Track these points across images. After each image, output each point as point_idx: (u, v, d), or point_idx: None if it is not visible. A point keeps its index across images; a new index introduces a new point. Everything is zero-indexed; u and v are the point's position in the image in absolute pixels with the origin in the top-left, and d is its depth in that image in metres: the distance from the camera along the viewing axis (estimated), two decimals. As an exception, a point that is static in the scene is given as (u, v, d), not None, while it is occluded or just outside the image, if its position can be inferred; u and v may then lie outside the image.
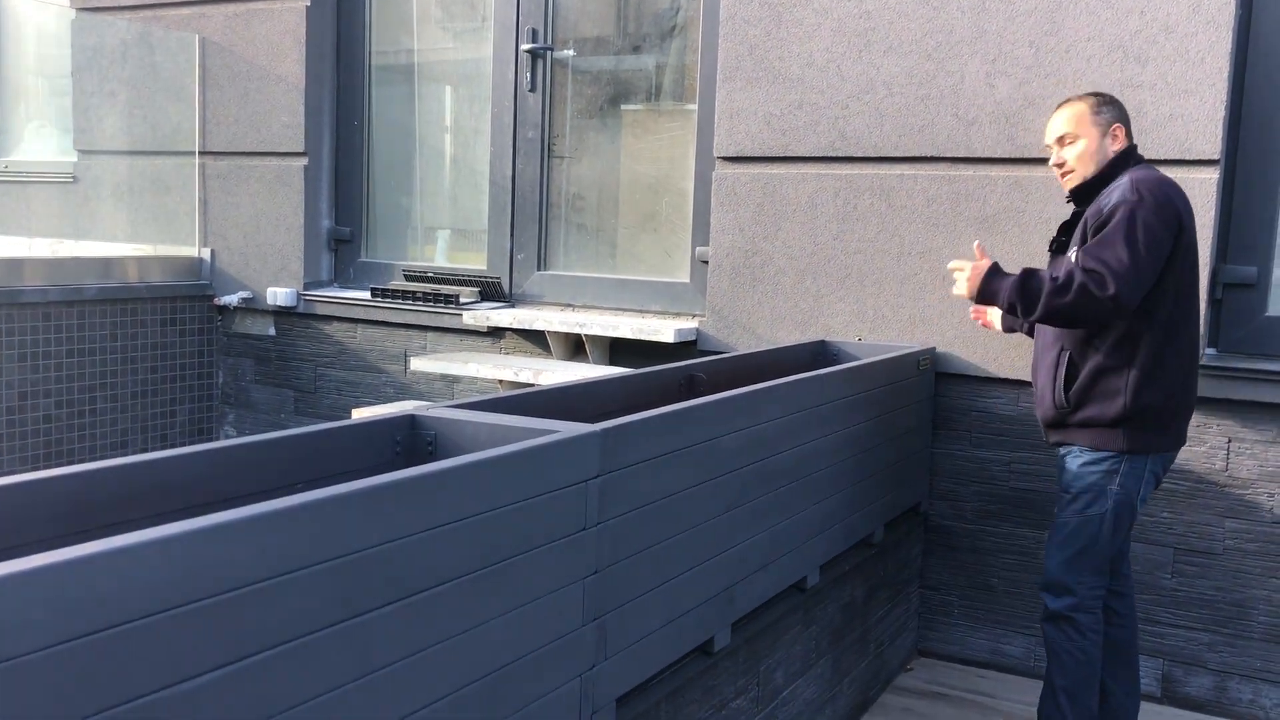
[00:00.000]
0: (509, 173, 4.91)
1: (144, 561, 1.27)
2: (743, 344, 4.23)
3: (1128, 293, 2.78)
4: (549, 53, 4.82)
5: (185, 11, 5.49)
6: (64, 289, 4.90)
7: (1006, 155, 3.77)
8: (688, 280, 4.55)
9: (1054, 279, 2.86)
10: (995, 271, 3.00)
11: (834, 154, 4.04)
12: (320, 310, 5.22)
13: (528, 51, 4.81)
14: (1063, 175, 3.09)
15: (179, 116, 5.56)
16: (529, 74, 4.82)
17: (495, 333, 4.81)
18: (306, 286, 5.27)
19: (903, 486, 3.71)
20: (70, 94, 6.00)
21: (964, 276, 3.04)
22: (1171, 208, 2.86)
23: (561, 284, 4.83)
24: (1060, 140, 3.07)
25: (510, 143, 4.90)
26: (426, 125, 5.32)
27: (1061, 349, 3.02)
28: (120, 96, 5.77)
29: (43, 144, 6.52)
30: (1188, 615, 3.65)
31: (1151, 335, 2.90)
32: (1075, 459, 3.01)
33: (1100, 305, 2.79)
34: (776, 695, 2.93)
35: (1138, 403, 2.90)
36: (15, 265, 4.83)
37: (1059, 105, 3.13)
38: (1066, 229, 3.10)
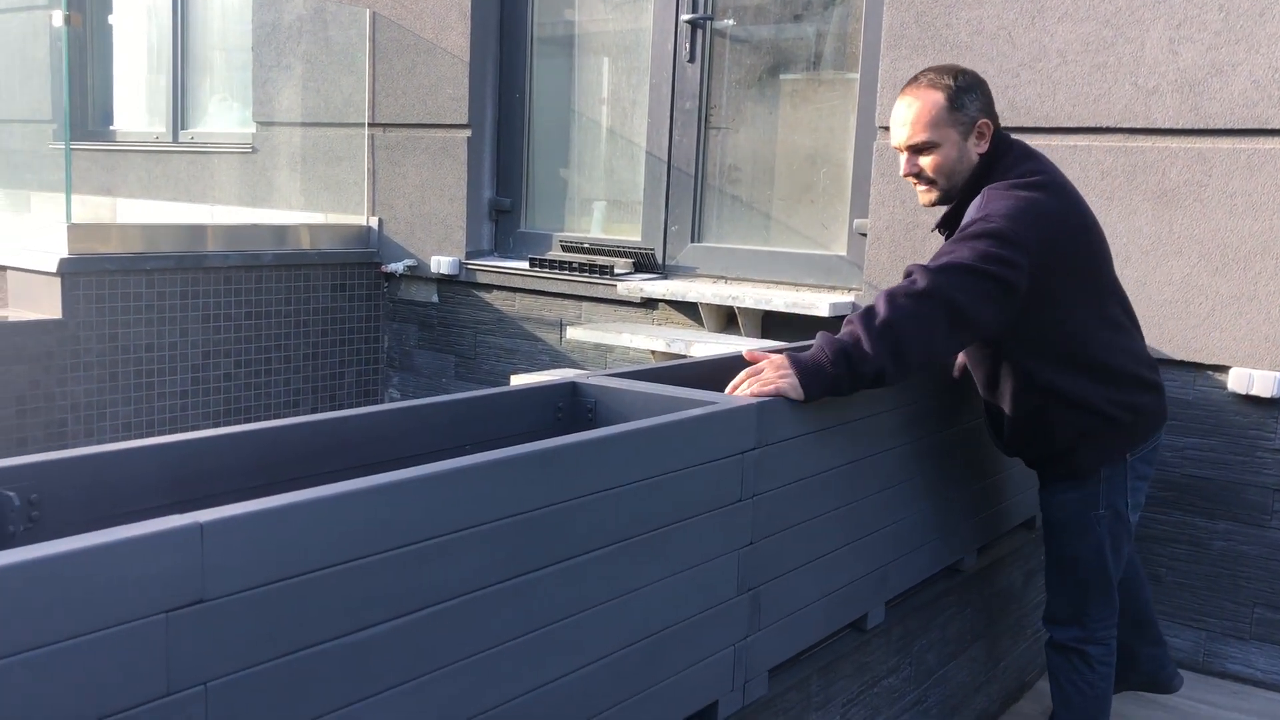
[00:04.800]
0: (665, 144, 4.92)
1: (328, 515, 1.35)
2: (900, 319, 4.15)
3: (944, 278, 2.23)
4: (709, 22, 4.80)
5: (357, -13, 5.69)
6: (243, 254, 5.17)
7: (1189, 126, 3.57)
8: (844, 253, 4.49)
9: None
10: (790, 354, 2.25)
11: (1002, 124, 3.89)
12: (481, 279, 5.36)
13: (688, 21, 4.80)
14: (920, 185, 2.54)
15: (350, 89, 5.77)
16: (688, 44, 4.82)
17: (648, 304, 4.85)
18: (468, 255, 5.41)
19: (1066, 470, 3.59)
20: (250, 68, 6.30)
21: (752, 381, 2.18)
22: (1032, 235, 2.32)
23: (715, 256, 4.83)
24: (913, 148, 2.48)
25: (667, 114, 4.91)
26: (585, 97, 5.38)
27: (984, 400, 2.68)
28: (296, 70, 6.03)
29: (225, 116, 6.88)
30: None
31: (1060, 357, 2.47)
32: (1050, 492, 2.68)
33: (918, 302, 2.21)
34: (929, 676, 2.89)
35: (1078, 428, 2.54)
36: (200, 232, 5.12)
37: (903, 91, 2.49)
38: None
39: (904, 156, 2.52)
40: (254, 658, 1.28)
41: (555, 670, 1.70)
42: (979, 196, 2.46)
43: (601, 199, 5.38)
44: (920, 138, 2.47)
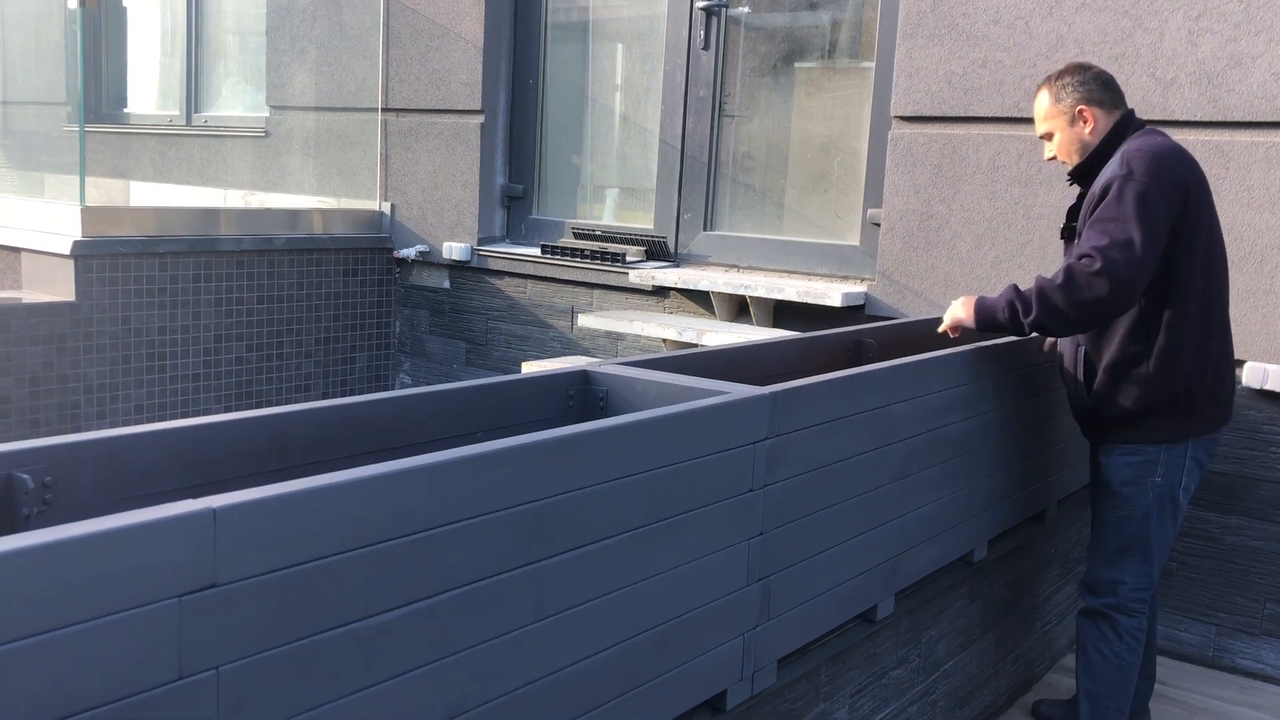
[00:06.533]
0: (679, 132, 4.91)
1: (340, 501, 1.35)
2: (914, 310, 4.14)
3: (1124, 269, 2.55)
4: (724, 9, 4.78)
5: (372, -28, 5.67)
6: (256, 238, 5.18)
7: (1207, 118, 3.55)
8: (857, 243, 4.47)
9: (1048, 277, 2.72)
10: (984, 297, 2.87)
11: (1019, 114, 3.88)
12: (493, 265, 5.36)
13: (702, 8, 4.78)
14: (1061, 163, 2.95)
15: (364, 74, 5.76)
16: (703, 31, 4.80)
17: (660, 292, 4.84)
18: (480, 242, 5.41)
19: (1079, 463, 3.57)
20: (264, 52, 6.30)
21: (954, 309, 2.90)
22: (1169, 177, 2.62)
23: (727, 244, 4.82)
24: (1042, 136, 2.92)
25: (681, 101, 4.89)
26: (598, 84, 5.36)
27: (1078, 345, 2.86)
28: (310, 54, 6.02)
29: (238, 100, 6.88)
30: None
31: (1170, 316, 2.68)
32: (1110, 455, 2.83)
33: (1094, 287, 2.57)
34: (938, 667, 2.89)
35: (1166, 390, 2.71)
36: (213, 215, 5.13)
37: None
38: (1074, 213, 2.88)
39: (1045, 144, 2.95)
40: (266, 643, 1.29)
41: (565, 658, 1.70)
42: (1113, 162, 2.72)
43: (614, 186, 5.37)
44: (1040, 129, 2.92)
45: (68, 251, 4.51)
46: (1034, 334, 2.80)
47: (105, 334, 4.66)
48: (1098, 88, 2.82)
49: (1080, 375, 2.86)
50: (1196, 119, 3.56)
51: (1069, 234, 2.91)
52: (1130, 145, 2.72)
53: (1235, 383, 2.87)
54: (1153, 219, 2.59)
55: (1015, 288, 2.76)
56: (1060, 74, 2.87)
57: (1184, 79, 3.57)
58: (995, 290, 3.93)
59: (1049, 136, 2.89)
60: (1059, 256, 3.84)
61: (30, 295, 4.64)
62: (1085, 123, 2.82)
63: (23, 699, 1.08)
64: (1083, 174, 2.85)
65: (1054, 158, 2.91)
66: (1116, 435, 2.82)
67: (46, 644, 1.09)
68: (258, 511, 1.26)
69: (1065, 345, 2.94)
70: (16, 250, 4.81)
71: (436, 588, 1.48)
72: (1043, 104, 2.88)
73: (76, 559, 1.11)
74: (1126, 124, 2.82)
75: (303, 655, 1.33)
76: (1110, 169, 2.69)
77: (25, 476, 1.48)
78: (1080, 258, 2.62)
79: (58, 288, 4.60)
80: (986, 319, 2.80)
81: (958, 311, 2.89)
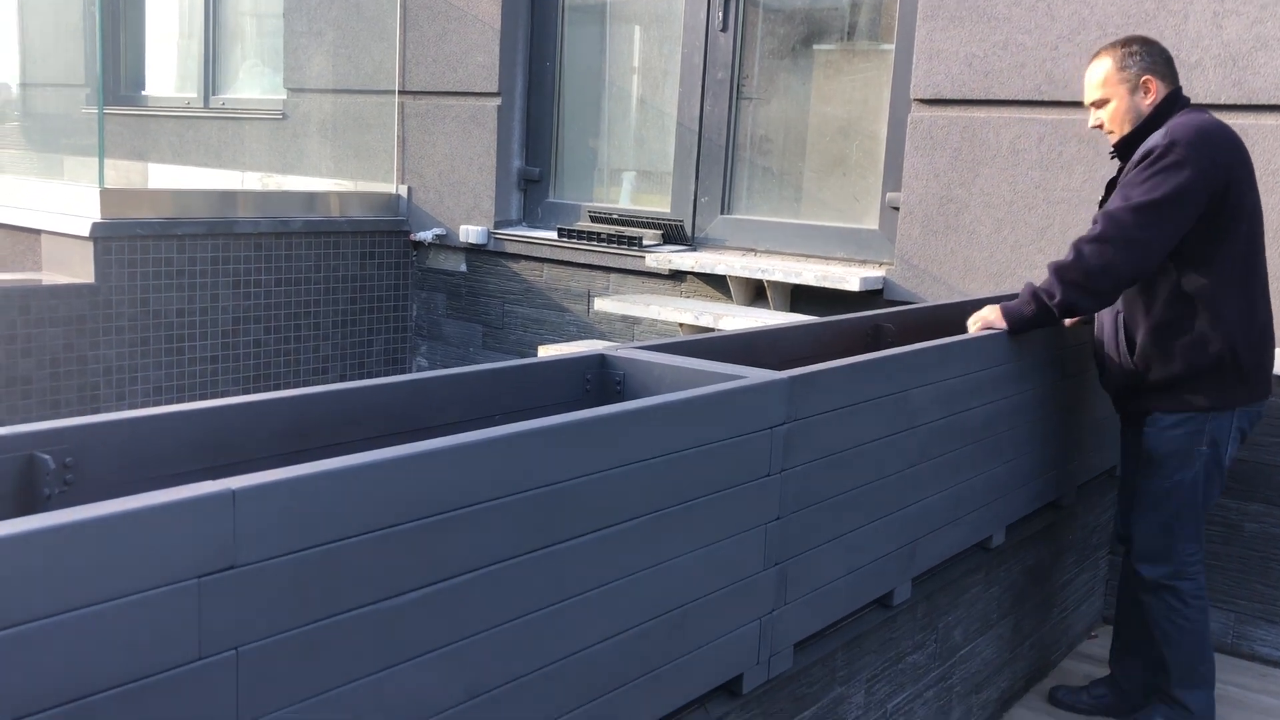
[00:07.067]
0: (696, 114, 4.89)
1: (359, 483, 1.35)
2: (932, 295, 4.12)
3: (1132, 229, 2.62)
4: (742, -8, 4.74)
5: (389, -47, 5.66)
6: (273, 221, 5.19)
7: (1232, 101, 3.51)
8: (876, 227, 4.45)
9: None
10: (1007, 304, 2.89)
11: (1040, 98, 3.85)
12: (509, 249, 5.35)
13: (720, -9, 4.75)
14: (1106, 134, 2.94)
15: (381, 56, 5.76)
16: (721, 13, 4.77)
17: (676, 276, 4.83)
18: (497, 225, 5.41)
19: (1099, 449, 3.56)
20: (281, 34, 6.30)
21: (982, 312, 2.92)
22: (1209, 154, 2.65)
23: (744, 228, 4.80)
24: (1094, 104, 2.90)
25: (699, 84, 4.86)
26: (616, 66, 5.34)
27: (1117, 313, 2.89)
28: (327, 36, 6.01)
29: (256, 82, 6.88)
30: None
31: (1210, 285, 2.71)
32: (1156, 424, 2.85)
33: (1102, 253, 2.65)
34: (954, 652, 2.89)
35: (1212, 352, 2.74)
36: (230, 198, 5.14)
37: (1091, 59, 2.93)
38: (1113, 186, 2.90)
39: (1091, 112, 2.94)
40: (284, 624, 1.29)
41: (582, 641, 1.70)
42: (1158, 133, 2.75)
43: (631, 169, 5.36)
44: (1092, 96, 2.89)
45: (87, 233, 4.53)
46: (1067, 319, 2.88)
47: (124, 315, 4.68)
48: (1162, 62, 2.85)
49: (1121, 343, 2.88)
50: (1221, 102, 3.52)
51: None
52: (1177, 120, 2.75)
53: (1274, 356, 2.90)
54: (1182, 186, 2.62)
55: (1031, 284, 2.82)
56: (1127, 41, 2.87)
57: (1209, 61, 3.53)
58: (1016, 275, 3.91)
59: (1102, 104, 2.88)
60: (1079, 241, 3.81)
61: (50, 277, 4.66)
62: (1147, 93, 2.83)
63: (43, 678, 1.09)
64: (1126, 145, 2.86)
65: (1099, 126, 2.90)
66: (1161, 403, 2.83)
67: (67, 623, 1.09)
68: (277, 493, 1.26)
69: (1105, 316, 2.95)
70: (36, 232, 4.84)
71: (455, 570, 1.48)
72: (1103, 69, 2.86)
73: (97, 539, 1.11)
74: (1175, 100, 2.83)
75: (322, 636, 1.33)
76: (1154, 139, 2.72)
77: (46, 457, 1.49)
78: (1092, 224, 2.71)
79: (77, 269, 4.62)
80: (1017, 319, 2.84)
81: (987, 314, 2.90)
